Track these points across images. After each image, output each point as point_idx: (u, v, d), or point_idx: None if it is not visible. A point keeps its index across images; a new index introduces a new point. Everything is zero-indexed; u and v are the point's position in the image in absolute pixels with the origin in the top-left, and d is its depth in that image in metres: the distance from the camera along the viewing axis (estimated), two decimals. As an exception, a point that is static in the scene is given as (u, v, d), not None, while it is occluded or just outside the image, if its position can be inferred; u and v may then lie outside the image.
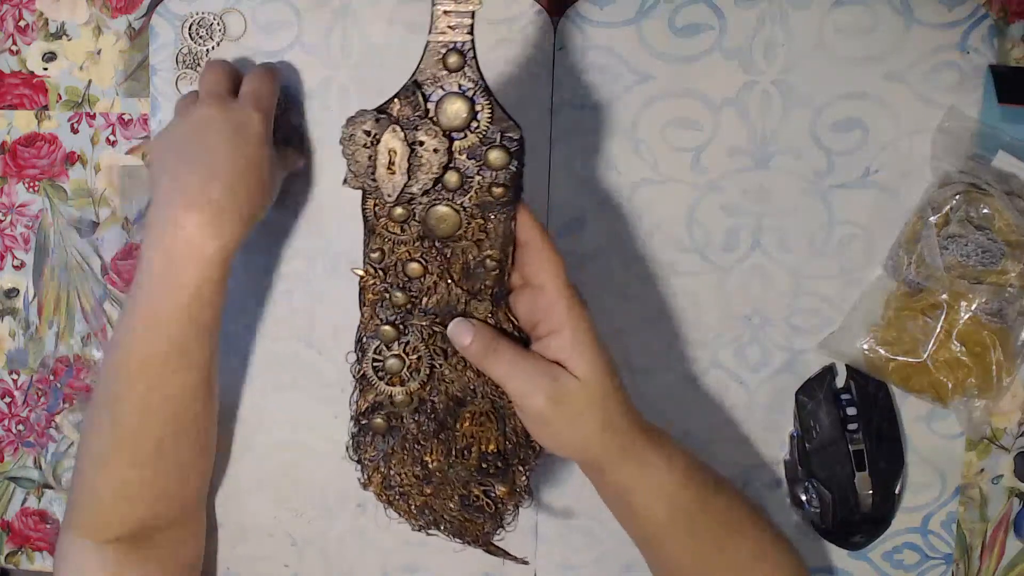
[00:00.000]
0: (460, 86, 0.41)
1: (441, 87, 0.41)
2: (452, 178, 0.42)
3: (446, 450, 0.46)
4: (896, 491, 0.58)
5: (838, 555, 0.60)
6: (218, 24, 0.60)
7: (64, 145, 0.63)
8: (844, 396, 0.58)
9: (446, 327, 0.44)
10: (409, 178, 0.42)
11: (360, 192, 0.43)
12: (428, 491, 0.47)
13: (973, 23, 0.56)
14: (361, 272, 0.45)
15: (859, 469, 0.57)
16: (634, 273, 0.59)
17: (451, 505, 0.47)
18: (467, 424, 0.46)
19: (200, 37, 0.60)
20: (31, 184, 0.63)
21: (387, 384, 0.46)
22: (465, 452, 0.46)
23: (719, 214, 0.58)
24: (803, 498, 0.59)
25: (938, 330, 0.54)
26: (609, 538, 0.61)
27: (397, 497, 0.48)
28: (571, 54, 0.58)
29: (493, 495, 0.47)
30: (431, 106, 0.41)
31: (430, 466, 0.46)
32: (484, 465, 0.46)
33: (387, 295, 0.45)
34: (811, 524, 0.59)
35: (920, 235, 0.55)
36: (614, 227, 0.59)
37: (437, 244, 0.43)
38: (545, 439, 0.45)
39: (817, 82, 0.57)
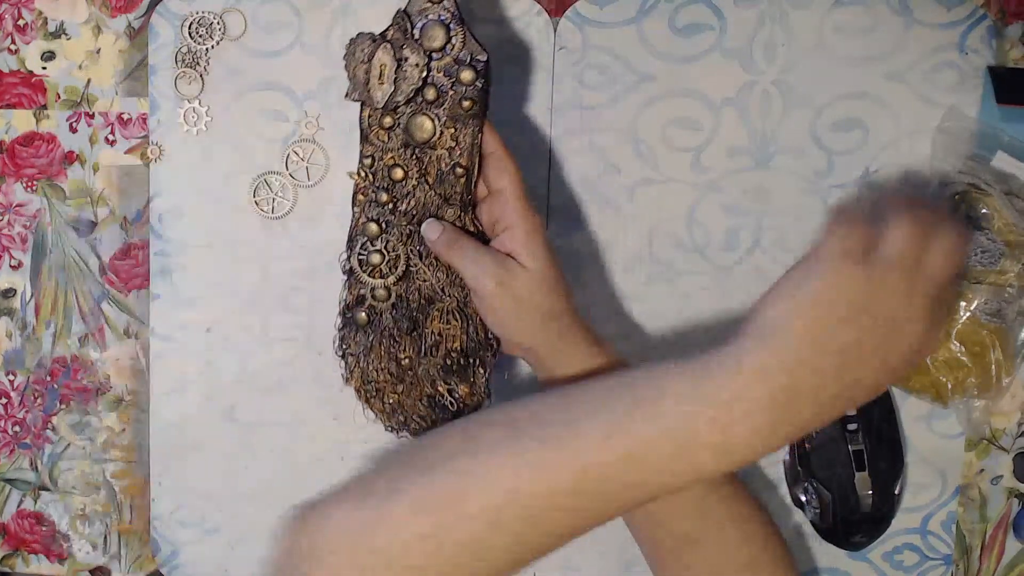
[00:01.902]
0: (440, 15, 0.50)
1: (425, 16, 0.50)
2: (430, 92, 0.51)
3: (417, 348, 0.53)
4: (896, 491, 0.58)
5: (838, 555, 0.60)
6: (218, 24, 0.60)
7: (62, 144, 0.62)
8: (844, 396, 0.58)
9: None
10: (395, 89, 0.51)
11: (359, 106, 0.52)
12: (400, 389, 0.54)
13: (972, 24, 0.56)
14: (355, 175, 0.53)
15: (859, 469, 0.57)
16: (634, 273, 0.59)
17: (420, 405, 0.54)
18: (436, 322, 0.53)
19: (200, 36, 0.60)
20: (29, 183, 0.63)
21: (369, 276, 0.53)
22: (433, 350, 0.53)
23: (719, 214, 0.58)
24: (803, 498, 0.59)
25: None
26: (609, 538, 0.61)
27: (373, 394, 0.54)
28: (571, 54, 0.58)
29: (457, 395, 0.53)
30: (416, 31, 0.51)
31: (402, 363, 0.53)
32: (448, 362, 0.53)
33: (374, 195, 0.53)
34: (811, 524, 0.59)
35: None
36: (614, 227, 0.59)
37: (417, 152, 0.52)
38: (496, 325, 0.51)
39: (817, 82, 0.57)
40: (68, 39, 0.62)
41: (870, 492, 0.57)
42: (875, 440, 0.57)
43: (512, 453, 0.39)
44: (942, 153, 0.56)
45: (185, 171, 0.61)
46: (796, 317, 0.37)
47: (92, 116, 0.62)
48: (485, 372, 0.53)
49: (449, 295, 0.53)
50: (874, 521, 0.58)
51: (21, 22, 0.62)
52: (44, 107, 0.62)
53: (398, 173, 0.52)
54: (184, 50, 0.60)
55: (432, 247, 0.52)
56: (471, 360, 0.53)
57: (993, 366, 0.54)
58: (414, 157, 0.52)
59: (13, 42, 0.62)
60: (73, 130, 0.62)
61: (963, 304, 0.54)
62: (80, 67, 0.62)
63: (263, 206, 0.61)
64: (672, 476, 0.38)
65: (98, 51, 0.62)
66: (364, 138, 0.53)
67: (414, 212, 0.53)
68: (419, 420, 0.55)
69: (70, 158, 0.62)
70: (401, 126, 0.52)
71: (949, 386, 0.55)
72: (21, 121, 0.62)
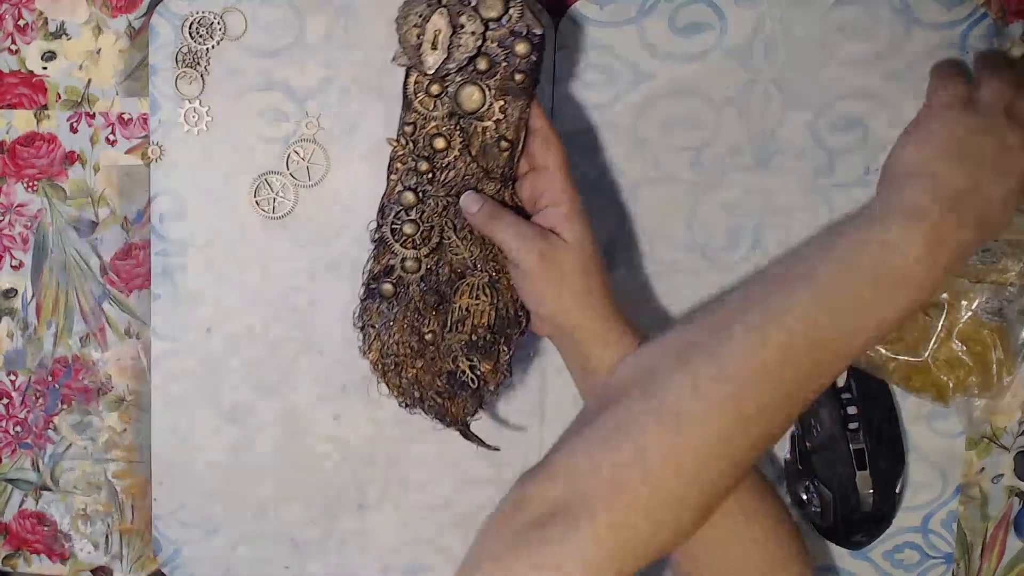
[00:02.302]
0: None
1: None
2: (482, 63, 0.50)
3: (442, 322, 0.53)
4: (897, 490, 0.58)
5: (839, 554, 0.60)
6: (218, 23, 0.60)
7: (63, 145, 0.62)
8: (845, 395, 0.58)
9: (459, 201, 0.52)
10: (448, 56, 0.50)
11: (404, 71, 0.51)
12: (419, 364, 0.53)
13: (972, 23, 0.56)
14: (394, 142, 0.52)
15: (860, 468, 0.57)
16: (634, 273, 0.59)
17: (439, 381, 0.53)
18: (465, 297, 0.52)
19: (200, 36, 0.60)
20: (30, 184, 0.63)
21: (401, 246, 0.52)
22: (459, 325, 0.53)
23: (720, 213, 0.58)
24: (804, 497, 0.59)
25: (939, 329, 0.54)
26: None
27: (391, 368, 0.54)
28: (571, 54, 0.58)
29: (479, 372, 0.53)
30: None
31: (426, 338, 0.53)
32: (474, 338, 0.52)
33: (414, 164, 0.52)
34: (812, 523, 0.59)
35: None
36: (614, 227, 0.59)
37: (462, 123, 0.51)
38: (533, 300, 0.50)
39: (817, 82, 0.57)
40: (68, 39, 0.62)
41: (871, 491, 0.57)
42: (876, 439, 0.57)
43: (756, 329, 0.41)
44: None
45: (186, 171, 0.61)
46: (931, 160, 0.43)
47: (93, 116, 0.62)
48: (509, 350, 0.53)
49: (481, 270, 0.52)
50: (875, 520, 0.58)
51: (21, 22, 0.62)
52: (45, 107, 0.62)
53: (440, 143, 0.51)
54: (184, 50, 0.60)
55: (471, 219, 0.51)
56: (497, 337, 0.53)
57: (994, 365, 0.54)
58: (458, 127, 0.51)
59: (13, 42, 0.62)
60: (74, 130, 0.62)
61: (964, 303, 0.54)
62: (81, 67, 0.62)
63: (263, 206, 0.61)
64: (892, 307, 0.41)
65: (98, 51, 0.62)
66: (407, 105, 0.52)
67: (453, 183, 0.52)
68: (435, 397, 0.54)
69: (71, 158, 0.63)
70: (449, 94, 0.51)
71: (950, 385, 0.55)
72: (22, 121, 0.63)
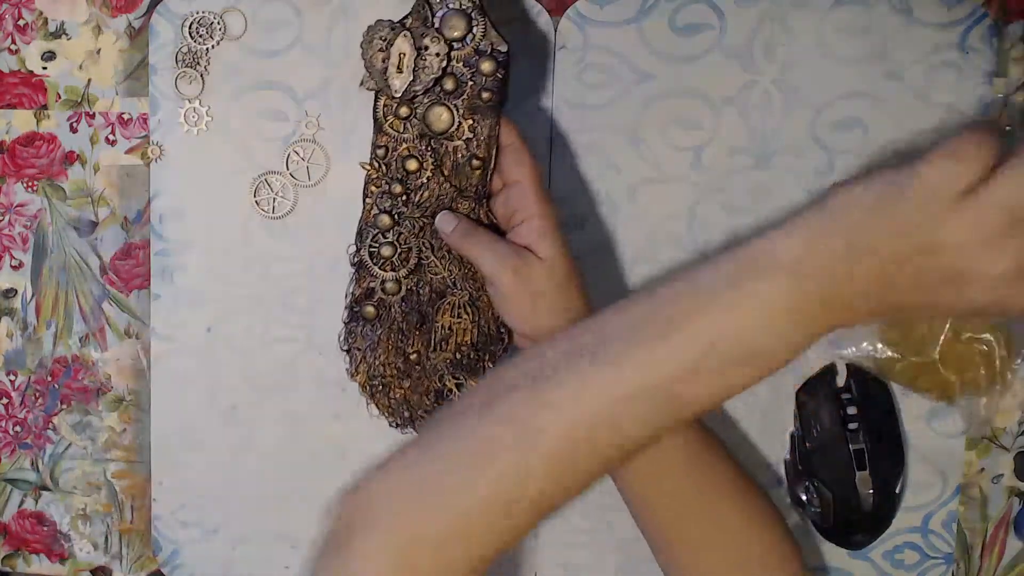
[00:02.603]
0: (461, 4, 0.50)
1: (447, 5, 0.50)
2: (449, 83, 0.50)
3: (426, 341, 0.53)
4: (897, 490, 0.58)
5: (839, 555, 0.60)
6: (218, 23, 0.60)
7: (63, 145, 0.62)
8: (845, 395, 0.58)
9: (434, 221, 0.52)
10: (414, 78, 0.50)
11: (373, 95, 0.52)
12: (407, 384, 0.54)
13: (973, 23, 0.56)
14: (367, 165, 0.53)
15: (860, 468, 0.57)
16: (634, 273, 0.59)
17: (427, 400, 0.54)
18: (446, 315, 0.53)
19: (200, 36, 0.60)
20: (30, 184, 0.63)
21: (380, 269, 0.53)
22: (442, 344, 0.53)
23: (720, 214, 0.58)
24: (803, 498, 0.59)
25: (946, 328, 0.54)
26: (609, 538, 0.61)
27: (380, 388, 0.54)
28: (571, 54, 0.58)
29: (465, 389, 0.53)
30: (437, 20, 0.50)
31: (411, 358, 0.54)
32: (458, 356, 0.53)
33: (387, 187, 0.52)
34: (812, 524, 0.59)
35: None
36: (614, 227, 0.59)
37: (433, 143, 0.51)
38: (511, 317, 0.50)
39: (817, 82, 0.57)
40: (68, 39, 0.62)
41: (871, 491, 0.57)
42: (876, 439, 0.57)
43: (581, 378, 0.38)
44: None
45: (185, 171, 0.61)
46: (856, 231, 0.35)
47: (92, 116, 0.62)
48: (494, 366, 0.53)
49: (461, 288, 0.53)
50: (875, 520, 0.58)
51: (21, 22, 0.62)
52: (44, 107, 0.62)
53: (412, 164, 0.52)
54: (184, 50, 0.60)
55: (447, 239, 0.52)
56: (481, 354, 0.53)
57: (997, 363, 0.54)
58: (429, 148, 0.52)
59: (13, 42, 0.62)
60: (73, 130, 0.62)
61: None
62: (80, 67, 0.62)
63: (263, 206, 0.61)
64: (756, 359, 0.37)
65: (98, 51, 0.62)
66: (378, 128, 0.52)
67: (428, 204, 0.52)
68: (425, 415, 0.55)
69: (71, 158, 0.63)
70: (418, 116, 0.51)
71: (957, 385, 0.55)
72: (22, 121, 0.62)
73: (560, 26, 0.58)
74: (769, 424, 0.60)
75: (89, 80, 0.62)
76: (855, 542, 0.59)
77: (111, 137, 0.62)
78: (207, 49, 0.60)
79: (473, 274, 0.53)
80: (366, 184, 0.53)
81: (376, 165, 0.53)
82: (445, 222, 0.51)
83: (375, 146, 0.52)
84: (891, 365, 0.56)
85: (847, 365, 0.58)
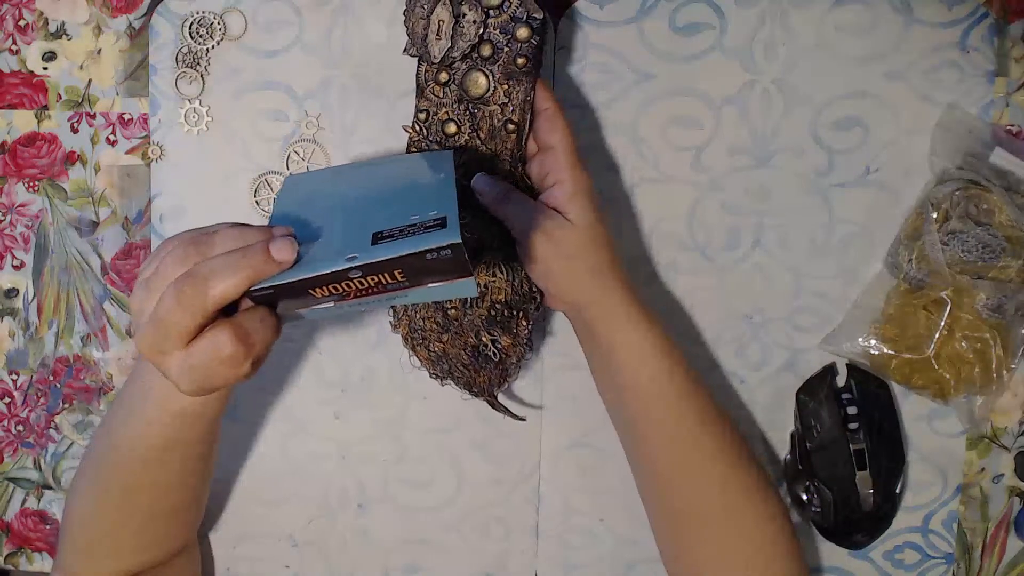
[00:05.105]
0: None
1: None
2: (486, 49, 0.51)
3: (463, 299, 0.54)
4: (897, 490, 0.58)
5: (839, 554, 0.60)
6: (218, 23, 0.60)
7: (64, 145, 0.63)
8: (845, 395, 0.58)
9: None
10: (452, 45, 0.51)
11: (416, 60, 0.53)
12: (445, 339, 0.55)
13: (973, 22, 0.56)
14: (409, 129, 0.54)
15: (860, 468, 0.57)
16: (634, 273, 0.59)
17: (464, 354, 0.55)
18: (482, 274, 0.54)
19: (200, 36, 0.60)
20: (31, 184, 0.63)
21: None
22: (478, 301, 0.54)
23: (720, 213, 0.58)
24: (804, 497, 0.59)
25: (941, 326, 0.54)
26: (610, 538, 0.61)
27: (420, 341, 0.56)
28: (571, 54, 0.58)
29: (499, 345, 0.54)
30: None
31: (449, 313, 0.55)
32: (493, 313, 0.54)
33: (427, 149, 0.54)
34: (812, 523, 0.59)
35: (920, 231, 0.55)
36: (614, 227, 0.59)
37: (470, 107, 0.53)
38: (541, 278, 0.51)
39: (817, 81, 0.57)
40: (69, 39, 0.62)
41: (871, 491, 0.57)
42: (876, 439, 0.57)
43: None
44: (940, 149, 0.55)
45: (186, 171, 0.61)
46: None
47: (93, 116, 0.62)
48: (528, 324, 0.54)
49: (497, 248, 0.53)
50: (875, 520, 0.58)
51: (22, 22, 0.62)
52: (45, 107, 0.62)
53: (451, 128, 0.53)
54: (184, 50, 0.60)
55: (482, 200, 0.52)
56: (515, 312, 0.54)
57: (994, 361, 0.54)
58: (467, 112, 0.53)
59: (14, 42, 0.62)
60: (74, 130, 0.62)
61: (966, 300, 0.54)
62: (81, 67, 0.62)
63: (263, 206, 0.61)
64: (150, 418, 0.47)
65: (99, 51, 0.62)
66: (420, 93, 0.53)
67: (466, 166, 0.53)
68: (462, 369, 0.56)
69: (71, 158, 0.63)
70: (456, 82, 0.52)
71: (952, 382, 0.55)
72: (22, 121, 0.63)
73: (560, 26, 0.58)
74: (770, 423, 0.60)
75: (90, 80, 0.62)
76: (855, 542, 0.59)
77: (112, 137, 0.62)
78: (207, 49, 0.60)
79: (507, 235, 0.53)
80: (407, 148, 0.54)
81: (417, 128, 0.54)
82: (481, 184, 0.52)
83: (417, 110, 0.53)
84: (886, 362, 0.56)
85: (847, 365, 0.58)
